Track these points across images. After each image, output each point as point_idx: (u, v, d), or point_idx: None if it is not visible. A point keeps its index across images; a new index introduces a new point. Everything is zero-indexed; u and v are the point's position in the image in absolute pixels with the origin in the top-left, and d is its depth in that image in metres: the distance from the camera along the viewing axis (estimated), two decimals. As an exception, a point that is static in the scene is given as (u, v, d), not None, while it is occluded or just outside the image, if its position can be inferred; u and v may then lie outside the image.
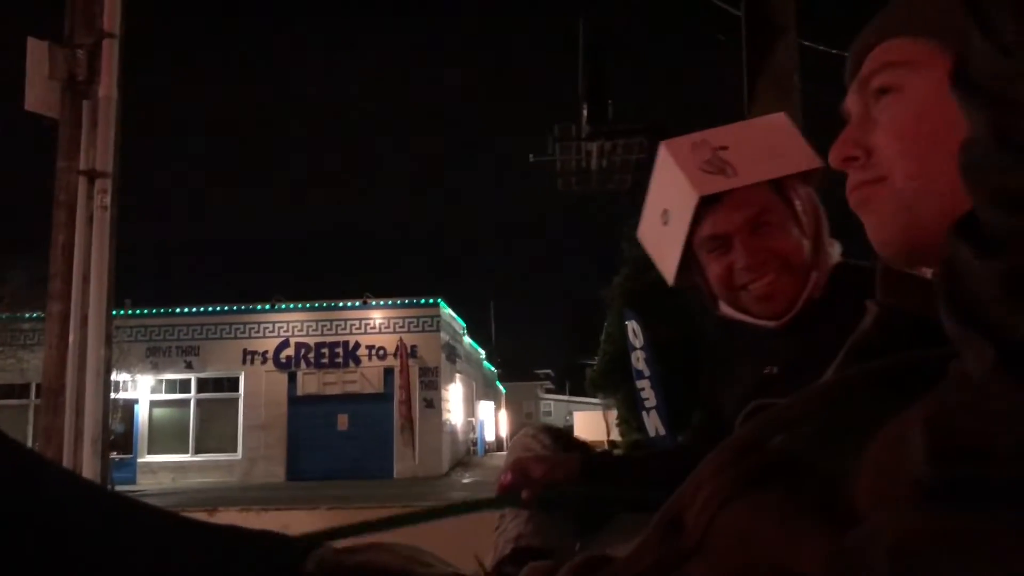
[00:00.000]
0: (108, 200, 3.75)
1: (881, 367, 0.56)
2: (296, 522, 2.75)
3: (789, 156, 1.41)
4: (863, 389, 0.56)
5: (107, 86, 3.80)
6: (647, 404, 13.22)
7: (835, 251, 1.44)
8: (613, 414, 22.24)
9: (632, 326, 14.01)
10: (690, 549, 0.55)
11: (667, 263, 1.49)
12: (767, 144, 1.42)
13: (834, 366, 0.62)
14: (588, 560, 0.61)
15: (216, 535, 0.66)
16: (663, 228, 1.47)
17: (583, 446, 1.57)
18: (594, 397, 26.72)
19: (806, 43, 4.95)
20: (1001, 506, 0.39)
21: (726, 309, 1.46)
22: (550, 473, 1.38)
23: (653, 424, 13.05)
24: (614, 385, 19.78)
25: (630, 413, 18.35)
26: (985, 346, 0.40)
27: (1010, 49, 0.39)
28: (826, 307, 1.36)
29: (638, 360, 13.75)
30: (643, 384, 13.40)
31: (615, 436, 22.67)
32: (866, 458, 0.49)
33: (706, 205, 1.37)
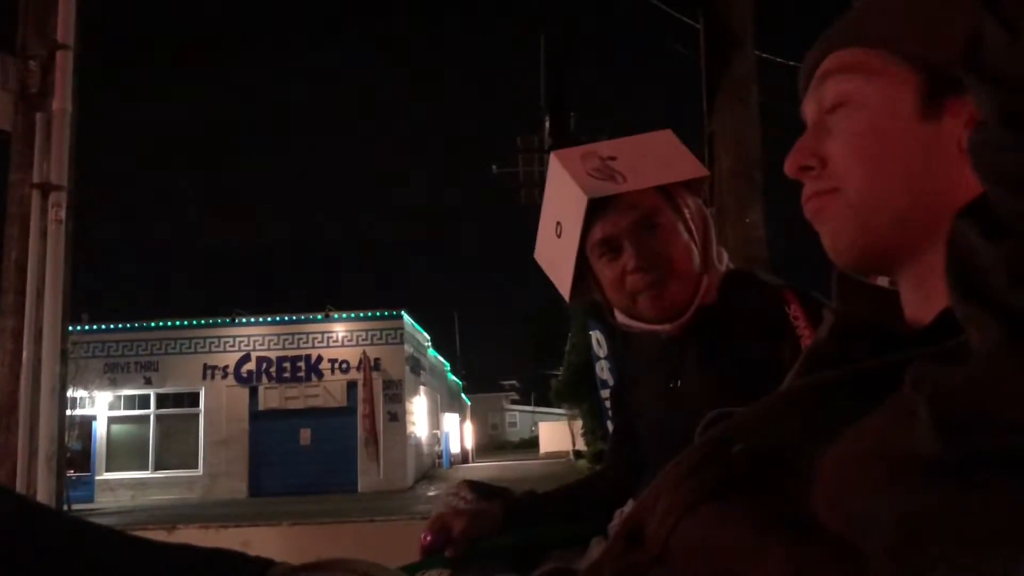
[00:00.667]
0: (63, 214, 3.68)
1: (841, 375, 0.56)
2: (257, 538, 2.71)
3: (676, 165, 1.45)
4: (822, 398, 0.56)
5: (61, 98, 3.73)
6: (611, 414, 13.23)
7: (724, 259, 1.47)
8: (578, 424, 22.30)
9: (596, 336, 14.02)
10: (651, 560, 0.54)
11: (562, 276, 1.50)
12: (655, 155, 1.46)
13: (792, 374, 0.62)
14: (552, 572, 0.61)
15: (171, 557, 0.65)
16: (557, 241, 1.49)
17: (504, 492, 1.55)
18: (559, 408, 26.80)
19: (764, 55, 5.03)
20: (1008, 477, 0.40)
21: (622, 318, 1.46)
22: (471, 527, 1.35)
23: (617, 434, 13.06)
24: (579, 396, 19.85)
25: (595, 423, 18.43)
26: (990, 324, 0.41)
27: (1017, 31, 0.39)
28: (718, 314, 1.38)
29: (602, 370, 13.76)
30: (607, 394, 13.41)
31: (580, 446, 22.71)
32: (825, 468, 0.49)
33: (596, 211, 1.38)
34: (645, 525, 0.56)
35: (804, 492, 0.49)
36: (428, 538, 1.35)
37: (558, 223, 1.48)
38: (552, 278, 1.56)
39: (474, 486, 1.54)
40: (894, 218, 0.63)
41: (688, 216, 1.41)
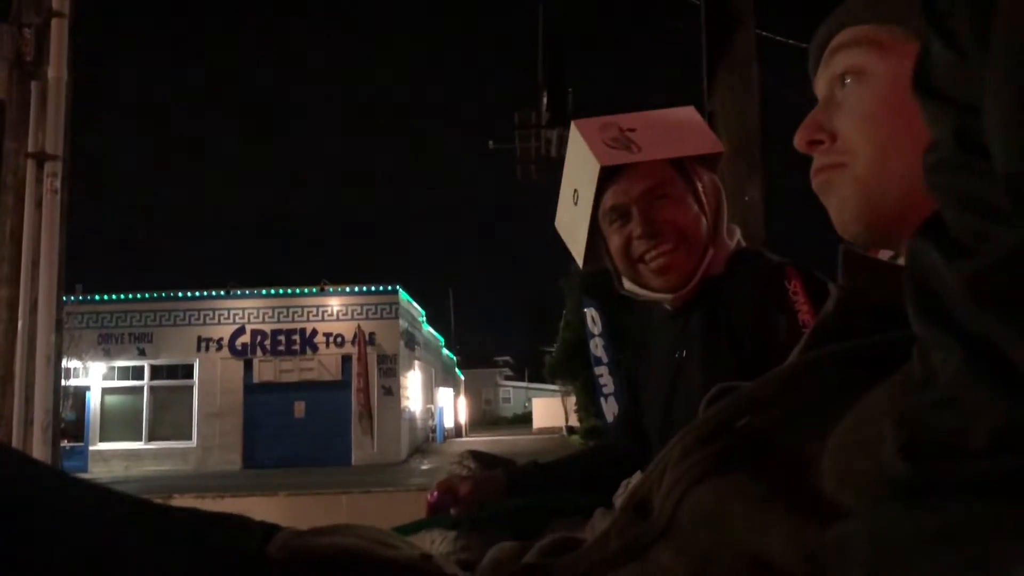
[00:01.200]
0: (58, 184, 3.67)
1: (846, 349, 0.57)
2: (254, 508, 2.72)
3: (693, 140, 1.48)
4: (828, 372, 0.56)
5: (57, 67, 3.70)
6: (605, 390, 13.32)
7: (735, 236, 1.49)
8: (572, 400, 22.39)
9: (591, 313, 14.08)
10: (657, 532, 0.55)
11: (577, 242, 1.54)
12: (673, 129, 1.50)
13: (798, 348, 0.62)
14: (557, 541, 0.62)
15: (178, 519, 0.65)
16: (574, 209, 1.53)
17: (507, 462, 1.57)
18: (553, 384, 26.87)
19: (765, 33, 5.00)
20: (975, 502, 0.39)
21: (629, 286, 1.49)
22: (476, 491, 1.37)
23: (611, 410, 13.16)
24: (573, 372, 19.92)
25: (588, 399, 18.52)
26: (953, 347, 0.40)
27: (968, 52, 0.39)
28: (722, 287, 1.40)
29: (596, 347, 13.84)
30: (601, 371, 13.49)
31: (573, 422, 22.82)
32: (832, 441, 0.50)
33: (609, 178, 1.43)
34: (651, 497, 0.57)
35: (809, 466, 0.50)
36: (435, 496, 1.38)
37: (575, 190, 1.52)
38: (568, 244, 1.60)
39: (478, 456, 1.56)
40: (901, 193, 0.63)
41: (700, 190, 1.44)
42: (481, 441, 27.56)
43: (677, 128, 1.50)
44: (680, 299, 1.43)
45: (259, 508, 2.77)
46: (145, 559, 0.59)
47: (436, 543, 1.39)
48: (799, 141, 0.69)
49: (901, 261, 0.66)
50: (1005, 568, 0.37)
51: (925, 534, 0.40)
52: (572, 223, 1.55)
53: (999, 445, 0.38)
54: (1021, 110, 0.35)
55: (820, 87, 0.71)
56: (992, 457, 0.39)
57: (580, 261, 1.55)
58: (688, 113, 1.54)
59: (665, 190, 1.41)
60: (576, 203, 1.51)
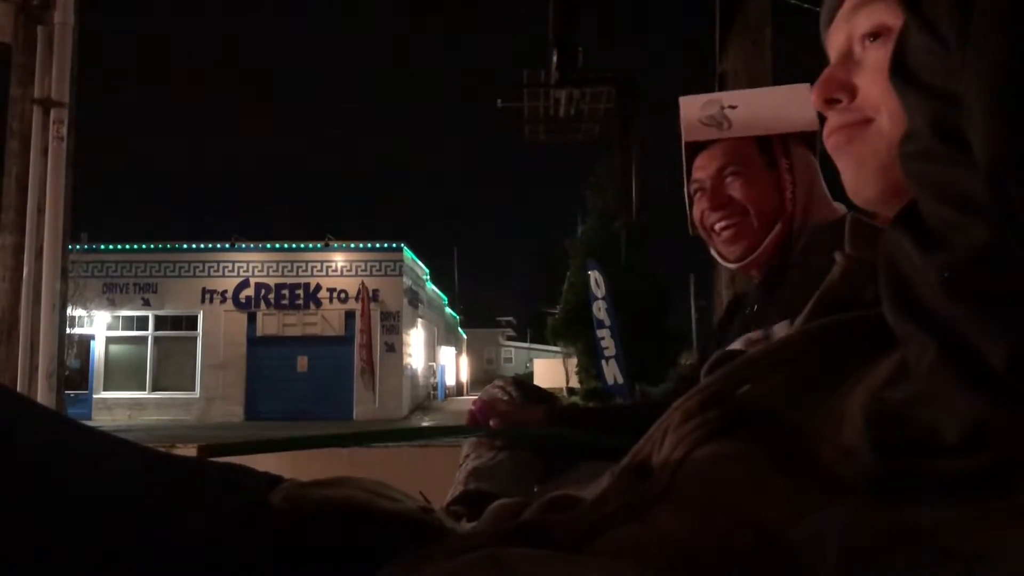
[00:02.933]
0: (64, 131, 3.65)
1: (851, 319, 0.56)
2: (255, 461, 2.74)
3: (788, 119, 1.54)
4: (831, 341, 0.56)
5: (63, 12, 3.66)
6: (606, 353, 13.39)
7: (835, 210, 1.51)
8: (573, 362, 22.48)
9: (594, 276, 14.09)
10: (656, 494, 0.55)
11: (688, 211, 1.65)
12: (775, 107, 1.57)
13: (802, 317, 0.62)
14: (556, 499, 0.62)
15: (183, 467, 0.66)
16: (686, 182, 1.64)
17: (549, 396, 1.61)
18: (555, 345, 26.94)
19: (779, -4, 4.92)
20: (946, 498, 0.39)
21: (713, 253, 1.59)
22: (514, 416, 1.43)
23: (611, 373, 13.23)
24: (575, 334, 19.99)
25: (590, 361, 18.60)
26: (927, 341, 0.40)
27: (948, 42, 0.38)
28: (798, 264, 1.42)
29: (599, 310, 13.89)
30: (603, 333, 13.54)
31: (574, 383, 22.95)
32: (831, 411, 0.50)
33: (697, 153, 1.55)
34: (651, 459, 0.57)
35: (808, 435, 0.50)
36: (478, 406, 1.48)
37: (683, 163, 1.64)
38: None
39: (520, 385, 1.61)
40: None
41: (784, 167, 1.50)
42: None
43: (780, 106, 1.56)
44: (746, 268, 1.52)
45: (260, 460, 2.78)
46: (149, 507, 0.60)
47: (470, 458, 1.44)
48: (816, 99, 0.67)
49: None
50: (973, 565, 0.36)
51: (895, 532, 0.40)
52: (686, 195, 1.66)
53: (972, 442, 0.38)
54: (1002, 100, 0.34)
55: (835, 43, 0.68)
56: (965, 455, 0.38)
57: (690, 229, 1.64)
58: (796, 91, 1.59)
59: (739, 167, 1.49)
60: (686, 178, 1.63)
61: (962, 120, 0.37)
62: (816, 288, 1.31)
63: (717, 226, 1.50)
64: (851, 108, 0.65)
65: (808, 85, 1.58)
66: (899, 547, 0.40)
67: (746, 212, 1.47)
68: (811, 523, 0.45)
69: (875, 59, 0.63)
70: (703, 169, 1.52)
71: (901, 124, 0.60)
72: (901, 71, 0.42)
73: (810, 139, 1.53)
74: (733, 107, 1.54)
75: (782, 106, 1.56)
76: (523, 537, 0.54)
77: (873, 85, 0.62)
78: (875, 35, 0.63)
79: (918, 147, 0.41)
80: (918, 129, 0.41)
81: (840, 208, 1.51)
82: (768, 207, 1.47)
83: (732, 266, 1.54)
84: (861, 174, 0.64)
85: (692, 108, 1.56)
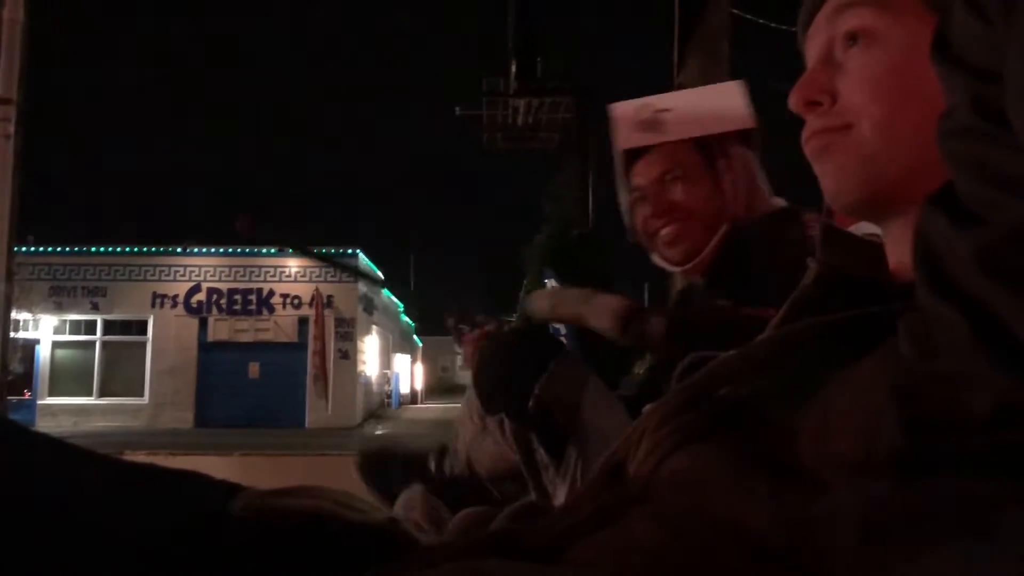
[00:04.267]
0: (11, 129, 3.56)
1: (825, 323, 0.56)
2: (207, 467, 2.69)
3: (723, 118, 1.52)
4: (808, 344, 0.56)
5: (13, 8, 3.58)
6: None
7: (774, 206, 1.53)
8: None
9: (551, 284, 14.11)
10: (631, 498, 0.54)
11: (625, 219, 1.63)
12: (709, 107, 1.56)
13: (775, 321, 0.61)
14: (526, 507, 0.61)
15: (140, 474, 0.64)
16: (622, 189, 1.62)
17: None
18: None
19: (737, 12, 5.00)
20: (973, 476, 0.39)
21: (655, 258, 1.58)
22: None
23: (567, 381, 13.23)
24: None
25: (545, 369, 18.59)
26: (958, 319, 0.40)
27: (990, 18, 0.38)
28: (741, 262, 1.43)
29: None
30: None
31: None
32: (811, 414, 0.49)
33: (635, 159, 1.53)
34: (627, 463, 0.57)
35: (788, 438, 0.49)
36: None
37: (618, 167, 1.61)
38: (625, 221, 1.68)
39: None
40: (906, 161, 0.59)
41: (723, 167, 1.49)
42: (437, 408, 27.61)
43: (711, 107, 1.56)
44: (690, 271, 1.52)
45: (212, 467, 2.73)
46: (106, 512, 0.57)
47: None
48: (795, 101, 0.66)
49: (881, 239, 0.65)
50: (1003, 541, 0.36)
51: (919, 508, 0.40)
52: (622, 200, 1.64)
53: (1000, 419, 0.38)
54: None
55: (815, 45, 0.67)
56: (993, 431, 0.38)
57: (630, 237, 1.63)
58: (729, 90, 1.59)
59: (680, 171, 1.49)
60: (618, 179, 1.62)
61: (1002, 98, 0.37)
62: (760, 283, 1.34)
63: (663, 232, 1.50)
64: (832, 112, 0.64)
65: (736, 83, 1.60)
66: (917, 525, 0.40)
67: (690, 216, 1.48)
68: (803, 516, 0.44)
69: (859, 63, 0.62)
70: (643, 175, 1.52)
71: (883, 130, 0.60)
72: (942, 49, 0.42)
73: (746, 136, 1.54)
74: (666, 110, 1.52)
75: (715, 105, 1.56)
76: (495, 548, 0.53)
77: (855, 91, 0.62)
78: (858, 38, 0.63)
79: (956, 125, 0.41)
80: (957, 106, 0.41)
81: (778, 202, 1.53)
82: (712, 209, 1.47)
83: (677, 270, 1.54)
84: (842, 181, 0.63)
85: (625, 113, 1.54)
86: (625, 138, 1.52)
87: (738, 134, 1.52)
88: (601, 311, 1.36)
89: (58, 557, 0.52)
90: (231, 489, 0.65)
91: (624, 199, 1.61)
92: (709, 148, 1.50)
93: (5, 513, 0.52)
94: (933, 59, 0.42)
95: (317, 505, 0.66)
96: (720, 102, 1.56)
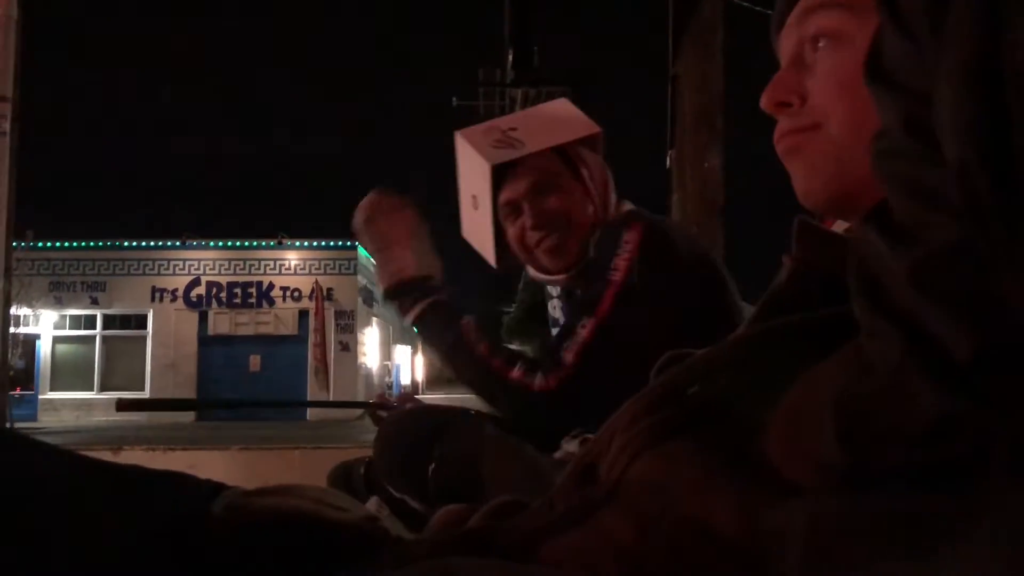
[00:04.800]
0: (7, 126, 3.56)
1: (798, 321, 0.56)
2: (205, 462, 2.71)
3: (570, 126, 1.57)
4: (779, 342, 0.56)
5: (7, 4, 3.57)
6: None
7: (623, 207, 1.55)
8: (528, 360, 22.51)
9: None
10: (603, 497, 0.55)
11: (485, 244, 1.63)
12: (552, 120, 1.60)
13: (749, 319, 0.62)
14: (501, 505, 0.62)
15: (121, 476, 0.64)
16: (475, 214, 1.63)
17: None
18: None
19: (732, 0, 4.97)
20: (907, 493, 0.40)
21: (533, 273, 1.61)
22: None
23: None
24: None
25: (545, 360, 18.61)
26: (894, 336, 0.40)
27: (919, 38, 0.39)
28: (595, 264, 1.46)
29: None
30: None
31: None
32: (779, 413, 0.50)
33: (501, 177, 1.52)
34: (599, 463, 0.57)
35: (757, 437, 0.50)
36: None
37: (473, 196, 1.61)
38: (479, 249, 1.68)
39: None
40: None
41: (586, 174, 1.52)
42: (437, 399, 27.65)
43: (555, 119, 1.60)
44: (569, 279, 1.54)
45: (211, 461, 2.75)
46: (85, 516, 0.58)
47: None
48: (766, 102, 0.66)
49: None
50: (938, 557, 0.37)
51: (859, 521, 0.41)
52: (478, 228, 1.64)
53: (936, 434, 0.39)
54: (972, 98, 0.35)
55: (786, 46, 0.68)
56: (929, 446, 0.39)
57: (492, 261, 1.64)
58: (562, 104, 1.65)
59: (552, 181, 1.50)
60: (477, 208, 1.61)
61: (932, 117, 0.38)
62: (611, 282, 1.36)
63: (545, 242, 1.50)
64: (801, 112, 0.65)
65: (565, 99, 1.67)
66: (857, 539, 0.40)
67: (569, 223, 1.49)
68: (766, 520, 0.45)
69: (826, 64, 0.63)
70: (514, 189, 1.51)
71: (850, 130, 0.60)
72: (875, 71, 0.42)
73: (592, 142, 1.57)
74: (513, 129, 1.54)
75: (557, 116, 1.60)
76: (469, 545, 0.54)
77: (823, 90, 0.63)
78: (826, 40, 0.63)
79: (889, 144, 0.42)
80: (890, 127, 0.42)
81: (626, 204, 1.55)
82: (585, 215, 1.50)
83: (555, 278, 1.56)
84: (811, 182, 0.64)
85: (476, 137, 1.55)
86: (488, 156, 1.51)
87: (586, 141, 1.55)
88: (383, 265, 1.52)
89: (31, 562, 0.53)
90: (215, 489, 0.66)
91: (483, 228, 1.60)
92: (569, 157, 1.51)
93: None
94: (866, 80, 0.43)
95: (297, 504, 0.66)
96: (560, 113, 1.61)
